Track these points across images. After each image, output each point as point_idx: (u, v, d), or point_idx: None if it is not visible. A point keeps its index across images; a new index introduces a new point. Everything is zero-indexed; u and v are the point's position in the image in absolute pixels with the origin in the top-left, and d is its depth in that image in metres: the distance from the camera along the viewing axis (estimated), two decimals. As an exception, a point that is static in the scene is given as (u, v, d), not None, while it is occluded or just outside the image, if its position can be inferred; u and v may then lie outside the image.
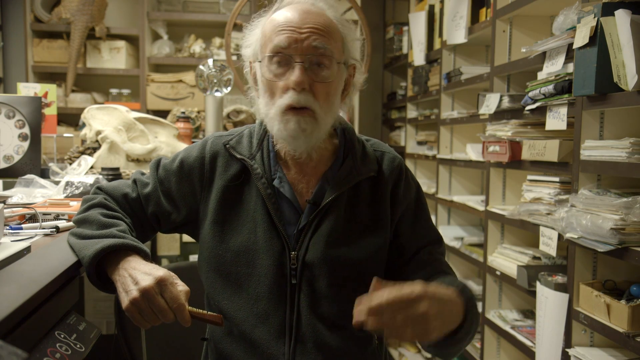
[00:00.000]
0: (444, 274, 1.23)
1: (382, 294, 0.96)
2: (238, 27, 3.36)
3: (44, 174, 2.19)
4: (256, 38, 1.23)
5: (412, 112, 3.68)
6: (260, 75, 1.21)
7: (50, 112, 2.49)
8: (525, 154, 1.99)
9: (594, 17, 1.54)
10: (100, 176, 1.96)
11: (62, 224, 1.41)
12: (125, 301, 1.04)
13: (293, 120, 1.15)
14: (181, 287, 1.06)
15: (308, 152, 1.22)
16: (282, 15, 1.19)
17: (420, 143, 3.57)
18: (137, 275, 1.05)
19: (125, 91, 3.96)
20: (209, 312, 1.12)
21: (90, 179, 1.85)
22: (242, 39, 1.30)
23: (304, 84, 1.14)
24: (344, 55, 1.21)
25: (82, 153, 2.34)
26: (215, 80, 2.86)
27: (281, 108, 1.16)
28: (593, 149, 1.63)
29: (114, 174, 2.04)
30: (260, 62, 1.21)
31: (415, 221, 1.28)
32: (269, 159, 1.24)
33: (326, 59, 1.16)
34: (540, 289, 1.86)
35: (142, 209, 1.27)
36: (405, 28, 3.85)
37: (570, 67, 1.79)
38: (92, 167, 2.20)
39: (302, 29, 1.15)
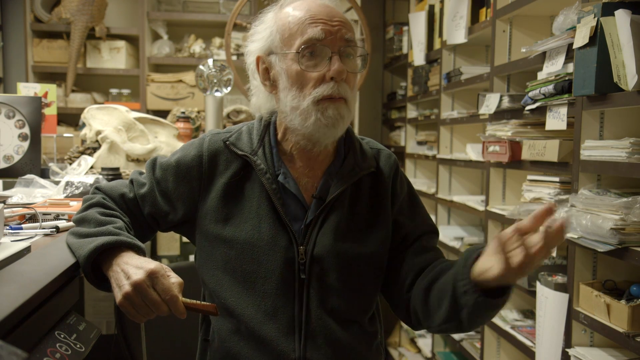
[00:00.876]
0: (446, 261, 1.25)
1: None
2: (238, 27, 3.36)
3: (44, 174, 2.19)
4: (270, 32, 1.21)
5: (412, 112, 3.68)
6: (283, 68, 1.19)
7: (50, 112, 2.49)
8: (525, 154, 1.99)
9: (594, 17, 1.54)
10: (100, 176, 1.96)
11: (62, 224, 1.41)
12: (118, 296, 1.04)
13: (332, 107, 1.16)
14: (174, 278, 1.06)
15: (327, 144, 1.23)
16: (303, 8, 1.19)
17: (420, 143, 3.57)
18: (129, 269, 1.05)
19: (125, 91, 3.96)
20: (203, 302, 1.10)
21: (90, 179, 1.85)
22: (246, 39, 1.30)
23: (344, 73, 1.16)
24: None
25: (82, 153, 2.34)
26: (215, 80, 2.86)
27: (317, 98, 1.16)
28: (593, 149, 1.63)
29: (114, 174, 2.04)
30: (282, 54, 1.19)
31: (414, 212, 1.32)
32: (272, 155, 1.24)
33: (353, 50, 1.20)
34: (540, 289, 1.86)
35: (139, 209, 1.27)
36: (405, 28, 3.85)
37: (570, 67, 1.79)
38: (92, 167, 2.20)
39: (333, 21, 1.17)
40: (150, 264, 1.06)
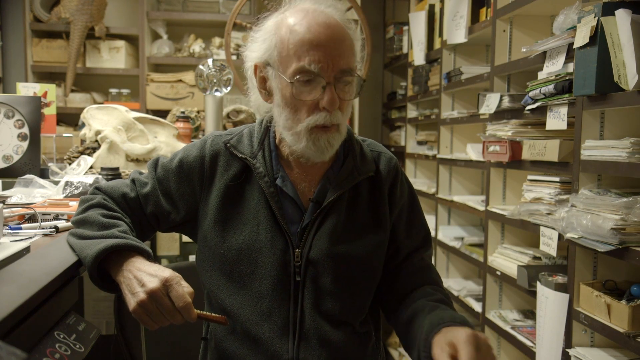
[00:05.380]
0: (435, 283, 1.28)
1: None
2: (238, 27, 3.36)
3: (44, 174, 2.19)
4: (269, 44, 1.19)
5: (412, 112, 3.68)
6: (278, 86, 1.19)
7: (50, 112, 2.49)
8: (526, 154, 1.99)
9: (594, 17, 1.54)
10: (100, 176, 1.96)
11: (61, 224, 1.41)
12: (132, 303, 1.04)
13: (323, 138, 1.17)
14: (186, 287, 1.06)
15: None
16: (304, 26, 1.15)
17: (420, 143, 3.57)
18: (143, 276, 1.05)
19: (125, 91, 3.96)
20: (213, 314, 1.12)
21: (89, 179, 1.85)
22: (246, 39, 1.29)
23: (337, 104, 1.16)
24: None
25: (82, 153, 2.33)
26: (215, 80, 2.85)
27: (310, 126, 1.16)
28: (593, 149, 1.63)
29: (114, 174, 2.04)
30: (278, 72, 1.18)
31: (410, 223, 1.32)
32: (271, 159, 1.25)
33: (351, 77, 1.18)
34: (541, 289, 1.86)
35: (141, 208, 1.27)
36: (405, 28, 3.85)
37: (571, 67, 1.79)
38: (91, 167, 2.20)
39: (332, 49, 1.14)
40: (164, 271, 1.06)
